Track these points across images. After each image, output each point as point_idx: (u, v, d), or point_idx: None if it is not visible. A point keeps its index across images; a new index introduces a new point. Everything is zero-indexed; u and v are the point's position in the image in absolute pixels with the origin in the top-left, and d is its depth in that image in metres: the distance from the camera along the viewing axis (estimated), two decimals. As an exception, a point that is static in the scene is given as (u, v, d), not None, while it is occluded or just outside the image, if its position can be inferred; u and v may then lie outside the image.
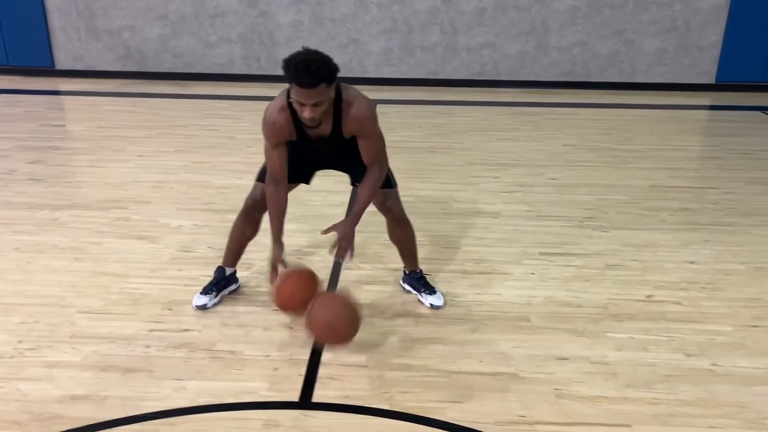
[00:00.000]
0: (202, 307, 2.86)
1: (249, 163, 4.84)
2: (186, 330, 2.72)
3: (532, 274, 3.24)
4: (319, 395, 2.32)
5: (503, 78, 7.84)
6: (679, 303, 2.98)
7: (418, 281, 2.98)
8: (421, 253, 3.39)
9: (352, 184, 2.91)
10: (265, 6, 7.77)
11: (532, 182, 4.54)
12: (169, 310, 2.86)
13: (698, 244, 3.58)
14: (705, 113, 7.02)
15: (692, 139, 5.84)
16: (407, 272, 3.02)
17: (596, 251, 3.49)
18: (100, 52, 8.02)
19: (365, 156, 2.61)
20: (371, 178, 2.63)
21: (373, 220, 3.82)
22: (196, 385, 2.37)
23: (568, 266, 3.32)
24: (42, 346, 2.58)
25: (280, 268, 2.56)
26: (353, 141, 2.59)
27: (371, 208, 2.76)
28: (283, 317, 2.77)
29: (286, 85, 2.41)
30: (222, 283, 2.95)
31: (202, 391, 2.34)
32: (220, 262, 3.24)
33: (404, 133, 5.77)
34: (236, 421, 2.19)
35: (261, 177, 2.81)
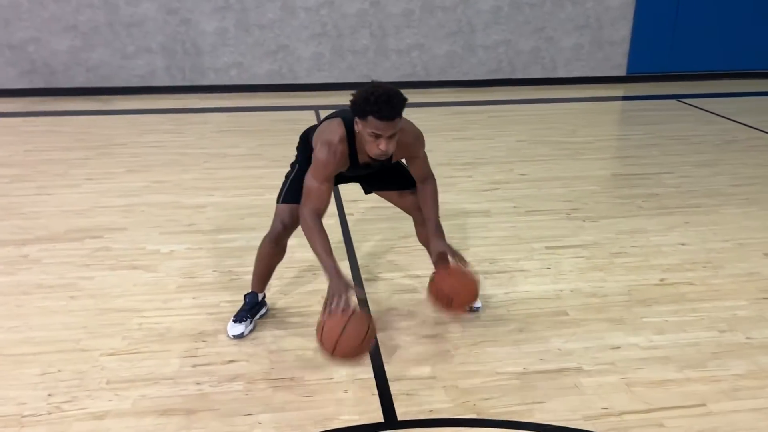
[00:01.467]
0: (240, 336, 2.70)
1: (213, 180, 4.64)
2: (232, 361, 2.55)
3: (549, 268, 3.33)
4: (403, 413, 2.26)
5: (434, 79, 7.99)
6: (691, 284, 3.17)
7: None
8: (418, 260, 3.41)
9: (367, 192, 2.89)
10: (187, 13, 7.42)
11: (506, 179, 4.66)
12: (203, 341, 2.68)
13: (681, 227, 3.83)
14: (629, 103, 7.48)
15: (628, 128, 6.21)
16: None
17: (594, 241, 3.64)
18: (1, 67, 7.34)
19: (416, 173, 2.67)
20: (431, 192, 2.69)
21: (379, 228, 3.79)
22: (271, 418, 2.24)
23: (577, 258, 3.44)
24: (79, 396, 2.33)
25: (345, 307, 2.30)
26: (389, 163, 2.62)
27: (386, 210, 2.73)
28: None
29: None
30: (255, 309, 2.80)
31: (279, 424, 2.21)
32: (233, 285, 3.11)
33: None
34: (332, 450, 2.10)
35: (287, 199, 2.68)
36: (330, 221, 3.95)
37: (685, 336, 2.72)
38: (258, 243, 3.55)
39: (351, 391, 2.38)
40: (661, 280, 3.20)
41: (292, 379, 2.45)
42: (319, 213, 2.48)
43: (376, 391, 2.37)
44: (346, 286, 2.32)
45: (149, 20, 7.39)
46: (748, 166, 4.95)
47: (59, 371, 2.48)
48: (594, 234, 3.74)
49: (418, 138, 2.56)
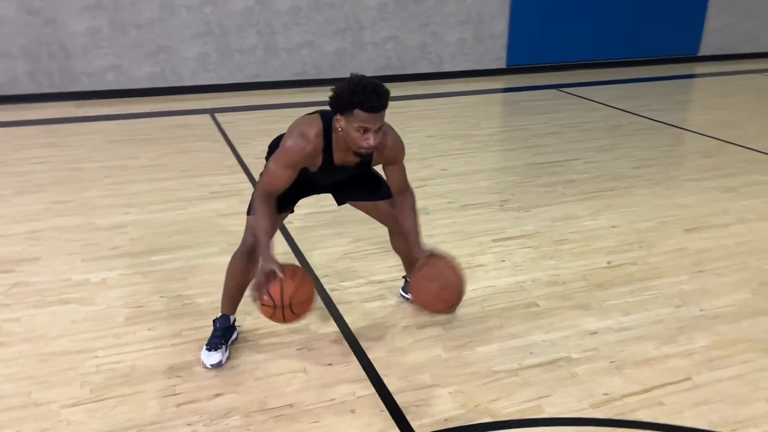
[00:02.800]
0: (218, 365, 2.48)
1: (122, 196, 4.26)
2: (218, 395, 2.34)
3: (503, 261, 3.39)
4: (419, 425, 2.19)
5: (325, 76, 7.87)
6: (634, 263, 3.37)
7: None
8: (389, 260, 3.35)
9: (340, 203, 2.78)
10: (51, 13, 6.73)
11: (431, 175, 4.69)
12: (178, 377, 2.43)
13: (606, 210, 4.06)
14: (515, 94, 7.83)
15: (526, 118, 6.48)
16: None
17: (535, 230, 3.77)
18: None
19: (395, 181, 2.57)
20: (410, 202, 2.60)
21: (324, 235, 3.66)
22: (283, 451, 2.08)
23: (526, 248, 3.54)
24: (53, 460, 2.03)
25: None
26: (367, 167, 2.52)
27: (353, 216, 2.66)
28: (304, 353, 2.54)
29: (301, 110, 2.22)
30: (228, 334, 2.59)
31: (295, 457, 2.06)
32: (189, 311, 2.88)
33: (263, 140, 5.51)
34: (362, 477, 1.98)
35: None
36: (271, 231, 3.76)
37: (648, 314, 2.89)
38: (198, 262, 3.35)
39: (357, 410, 2.27)
40: (608, 262, 3.38)
41: (291, 405, 2.29)
42: (270, 195, 2.38)
43: (383, 407, 2.28)
44: (276, 266, 2.25)
45: (7, 22, 6.62)
46: (640, 149, 5.37)
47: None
48: (532, 223, 3.86)
49: (398, 143, 2.48)
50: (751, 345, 2.66)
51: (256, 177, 4.63)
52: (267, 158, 2.62)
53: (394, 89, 8.04)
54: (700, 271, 3.29)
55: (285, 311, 2.24)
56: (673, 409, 2.28)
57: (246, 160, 5.02)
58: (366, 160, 2.42)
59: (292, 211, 2.76)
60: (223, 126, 6.02)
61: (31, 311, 2.87)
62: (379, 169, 2.64)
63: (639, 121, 6.26)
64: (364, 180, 2.66)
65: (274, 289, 2.23)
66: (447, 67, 8.39)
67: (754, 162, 5.01)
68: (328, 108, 2.37)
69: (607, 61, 9.16)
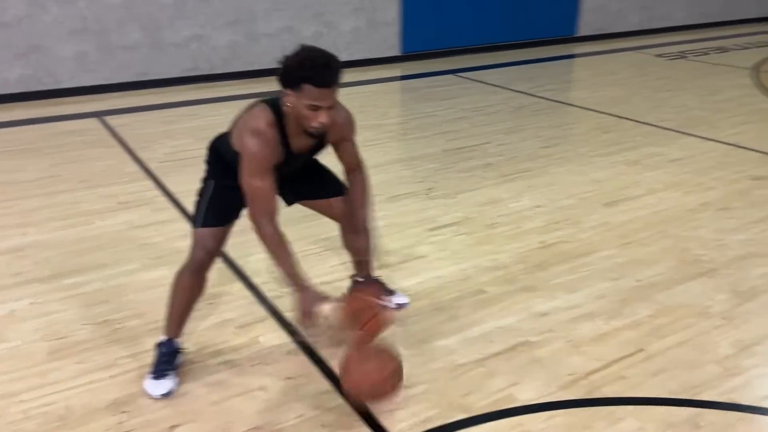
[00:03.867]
0: (168, 394, 2.26)
1: (16, 214, 3.89)
2: (175, 426, 2.13)
3: (443, 250, 3.36)
4: (399, 431, 2.11)
5: (218, 71, 7.51)
6: (565, 241, 3.45)
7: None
8: (330, 260, 3.24)
9: (290, 204, 2.62)
10: None
11: (349, 168, 4.58)
12: (124, 412, 2.19)
13: (527, 191, 4.15)
14: (415, 81, 7.82)
15: (431, 104, 6.48)
16: (362, 280, 2.84)
17: (465, 216, 3.77)
18: None
19: (350, 159, 2.43)
20: (362, 181, 2.47)
21: (253, 239, 3.46)
22: (261, 479, 1.92)
23: (460, 235, 3.54)
24: None
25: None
26: (321, 148, 2.37)
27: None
28: (266, 376, 2.39)
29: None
30: (175, 358, 2.36)
31: (274, 484, 1.91)
32: (120, 336, 2.63)
33: (165, 142, 5.19)
34: (351, 495, 1.87)
35: (208, 221, 2.31)
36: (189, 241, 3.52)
37: (591, 290, 2.96)
38: (120, 281, 3.08)
39: (330, 423, 2.15)
40: (541, 242, 3.44)
41: (258, 428, 2.13)
42: (274, 216, 2.16)
43: (356, 416, 2.18)
44: (313, 296, 2.08)
45: None
46: (545, 129, 5.54)
47: (-58, 503, 1.84)
48: (460, 209, 3.87)
49: (350, 118, 2.35)
50: (689, 310, 2.80)
51: (164, 182, 4.34)
52: (208, 162, 2.41)
53: None
54: (627, 243, 3.43)
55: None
56: (635, 381, 2.35)
57: (150, 165, 4.67)
58: (320, 140, 2.26)
59: (238, 218, 2.52)
60: (116, 130, 5.57)
61: (-70, 357, 2.50)
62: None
63: (538, 102, 6.47)
64: (315, 176, 2.51)
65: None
66: (344, 57, 8.11)
67: (649, 135, 5.32)
68: (269, 98, 2.21)
69: (496, 45, 9.42)
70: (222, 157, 2.33)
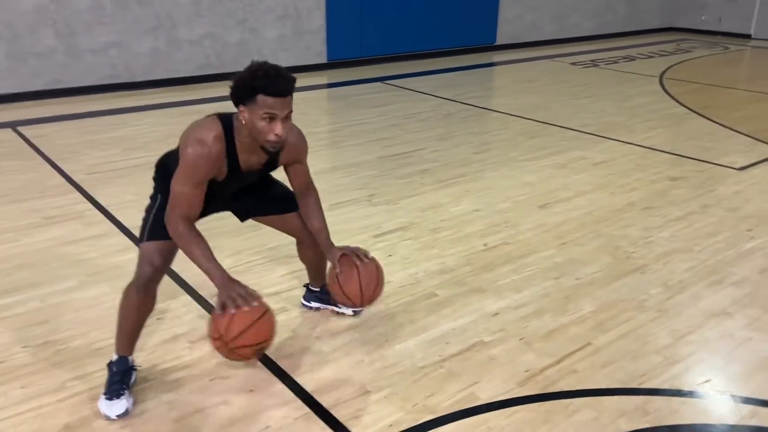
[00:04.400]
0: (125, 414, 2.17)
1: None
2: (136, 447, 2.05)
3: (390, 256, 3.39)
4: (366, 437, 2.12)
5: (138, 79, 7.26)
6: (507, 243, 3.57)
7: (329, 294, 2.84)
8: (277, 270, 3.22)
9: (243, 220, 2.60)
10: None
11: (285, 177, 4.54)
12: (79, 437, 2.09)
13: (465, 196, 4.26)
14: (343, 89, 7.86)
15: (361, 112, 6.52)
16: (317, 289, 2.83)
17: (409, 222, 3.83)
18: None
19: (299, 180, 2.45)
20: (316, 201, 2.52)
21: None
22: (233, 495, 1.88)
23: (406, 240, 3.58)
24: None
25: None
26: (272, 168, 2.36)
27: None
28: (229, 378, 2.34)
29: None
30: (128, 377, 2.27)
31: (248, 499, 1.87)
32: (65, 358, 2.52)
33: (89, 153, 4.97)
34: (327, 503, 1.86)
35: (154, 235, 2.24)
36: (129, 256, 3.40)
37: (536, 289, 3.08)
38: (56, 300, 2.96)
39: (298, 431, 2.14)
40: (485, 245, 3.54)
41: (225, 442, 2.09)
42: (190, 219, 2.15)
43: (324, 425, 2.17)
44: (238, 286, 2.09)
45: None
46: (475, 134, 5.71)
47: None
48: (403, 215, 3.92)
49: (302, 138, 2.36)
50: (627, 304, 2.96)
51: (93, 195, 4.15)
52: (156, 179, 2.34)
53: (216, 89, 7.78)
54: (564, 243, 3.58)
55: (228, 346, 2.02)
56: (586, 374, 2.46)
57: (75, 178, 4.46)
58: (271, 160, 2.25)
59: None
60: (33, 141, 5.28)
61: None
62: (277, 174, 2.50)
63: (466, 109, 6.65)
64: (267, 192, 2.49)
65: (223, 321, 2.02)
66: (269, 64, 8.18)
67: (572, 139, 5.58)
68: (223, 112, 2.19)
69: (419, 53, 9.60)
70: (167, 174, 2.26)
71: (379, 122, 6.03)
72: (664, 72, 8.74)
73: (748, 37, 12.29)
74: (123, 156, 4.96)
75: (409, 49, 9.47)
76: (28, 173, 4.55)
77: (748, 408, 2.29)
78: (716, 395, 2.36)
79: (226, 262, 3.23)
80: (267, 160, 2.25)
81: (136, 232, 3.48)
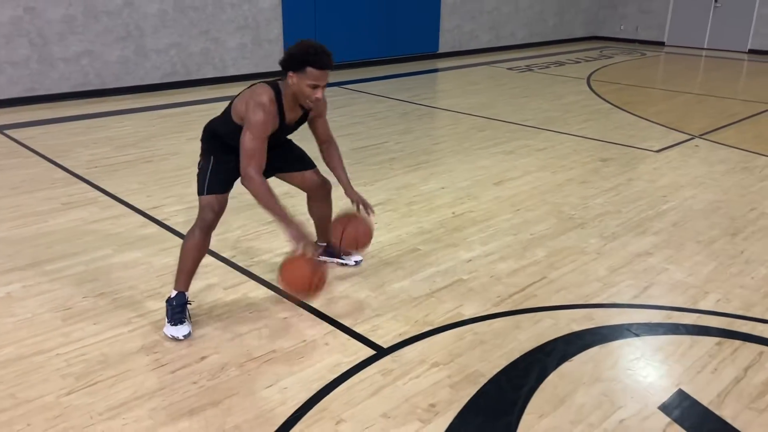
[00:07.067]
0: (189, 336, 2.71)
1: None
2: (204, 357, 2.59)
3: (376, 223, 3.97)
4: (383, 342, 2.73)
5: (110, 86, 7.65)
6: (471, 211, 4.25)
7: (335, 248, 3.43)
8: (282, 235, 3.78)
9: (268, 177, 3.14)
10: None
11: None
12: (156, 352, 2.62)
13: (431, 177, 4.93)
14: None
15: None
16: (324, 244, 3.41)
17: (386, 198, 4.46)
18: None
19: (323, 130, 3.05)
20: (336, 148, 3.12)
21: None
22: (289, 381, 2.45)
23: (387, 211, 4.21)
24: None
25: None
26: (303, 122, 2.96)
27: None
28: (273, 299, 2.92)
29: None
30: (185, 308, 2.81)
31: (301, 381, 2.45)
32: (123, 303, 3.03)
33: (82, 150, 5.39)
34: (363, 381, 2.45)
35: (213, 189, 2.79)
36: (151, 230, 3.90)
37: (499, 243, 3.77)
38: (99, 264, 3.43)
39: (330, 343, 2.72)
40: (453, 213, 4.22)
41: (274, 351, 2.65)
42: (261, 170, 2.67)
43: (348, 337, 2.77)
44: (305, 232, 2.64)
45: None
46: (432, 129, 6.42)
47: (28, 425, 2.19)
48: (381, 193, 4.55)
49: (324, 98, 2.89)
50: (572, 250, 3.68)
51: (98, 184, 4.60)
52: (204, 141, 2.87)
53: (182, 95, 8.40)
54: (517, 210, 4.30)
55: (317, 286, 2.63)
56: (543, 297, 3.15)
57: (77, 172, 4.89)
58: (304, 114, 2.85)
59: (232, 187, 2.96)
60: (24, 142, 5.65)
61: (-54, 333, 2.73)
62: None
63: (419, 108, 7.36)
64: (290, 152, 3.06)
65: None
66: (231, 71, 8.70)
67: (516, 131, 6.35)
68: (267, 80, 2.74)
69: (370, 60, 10.29)
70: (217, 135, 2.82)
71: (343, 121, 6.66)
72: (590, 75, 9.73)
73: (662, 44, 13.60)
74: (116, 153, 5.40)
75: (359, 57, 10.14)
76: (32, 168, 4.95)
77: (665, 312, 3.03)
78: (643, 306, 3.09)
79: (236, 233, 3.81)
80: (301, 115, 2.84)
81: (152, 214, 4.05)
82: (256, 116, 2.62)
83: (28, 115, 6.61)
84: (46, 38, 7.12)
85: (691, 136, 6.22)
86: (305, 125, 3.01)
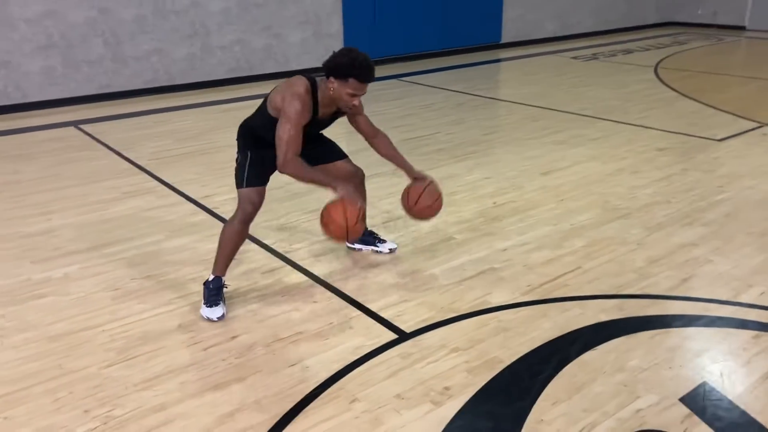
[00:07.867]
0: (222, 317, 2.86)
1: (30, 207, 4.33)
2: (235, 336, 2.74)
3: (415, 212, 4.07)
4: (407, 327, 2.79)
5: (177, 82, 8.01)
6: (513, 201, 4.24)
7: (370, 236, 3.52)
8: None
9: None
10: None
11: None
12: (191, 331, 2.79)
13: (476, 168, 4.93)
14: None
15: (381, 105, 7.16)
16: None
17: (429, 188, 4.50)
18: None
19: (367, 128, 3.21)
20: (385, 136, 3.26)
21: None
22: (312, 361, 2.56)
23: (428, 201, 4.26)
24: (120, 403, 2.33)
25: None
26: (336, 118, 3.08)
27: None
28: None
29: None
30: (221, 292, 2.96)
31: (323, 361, 2.55)
32: (168, 286, 3.21)
33: (146, 144, 5.70)
34: (382, 364, 2.53)
35: (252, 183, 2.93)
36: (201, 217, 4.08)
37: (537, 233, 3.74)
38: (150, 249, 3.64)
39: (354, 326, 2.81)
40: (494, 203, 4.21)
41: (301, 333, 2.76)
42: (298, 154, 2.79)
43: (374, 321, 2.84)
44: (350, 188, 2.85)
45: None
46: (484, 120, 6.38)
47: (71, 393, 2.39)
48: (424, 183, 4.60)
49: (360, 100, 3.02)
50: (612, 241, 3.62)
51: (158, 175, 4.87)
52: (241, 137, 3.02)
53: (245, 90, 8.67)
54: (562, 200, 4.24)
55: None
56: (575, 287, 3.12)
57: (140, 163, 5.18)
58: (338, 111, 2.96)
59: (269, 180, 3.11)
60: (97, 136, 6.02)
61: (11, 308, 3.00)
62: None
63: (475, 99, 7.33)
64: (324, 145, 3.18)
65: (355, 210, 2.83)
66: (293, 66, 8.92)
67: (570, 121, 6.23)
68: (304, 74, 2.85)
69: (430, 53, 10.29)
70: (253, 131, 2.96)
71: (398, 113, 6.72)
72: (659, 62, 9.37)
73: (742, 28, 12.89)
74: (177, 145, 5.68)
75: (420, 49, 10.17)
76: (101, 160, 5.28)
77: (702, 305, 2.94)
78: (678, 298, 3.01)
79: (281, 221, 3.95)
80: (335, 111, 2.95)
81: (203, 203, 4.25)
82: (293, 106, 2.73)
83: (101, 111, 7.03)
84: (118, 37, 7.53)
85: (759, 124, 5.92)
86: (350, 127, 3.16)
